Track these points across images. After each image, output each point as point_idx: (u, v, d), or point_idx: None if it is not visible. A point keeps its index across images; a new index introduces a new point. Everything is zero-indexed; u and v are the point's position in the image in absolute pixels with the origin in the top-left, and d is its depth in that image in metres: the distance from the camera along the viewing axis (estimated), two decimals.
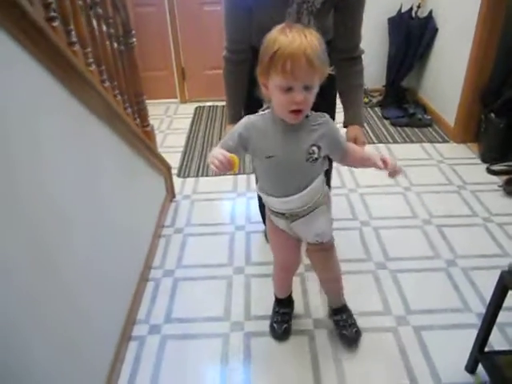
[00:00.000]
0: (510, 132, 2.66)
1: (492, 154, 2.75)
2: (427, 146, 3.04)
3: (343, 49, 1.48)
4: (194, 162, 2.94)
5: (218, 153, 1.05)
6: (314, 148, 1.18)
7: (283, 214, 1.33)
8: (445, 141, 3.09)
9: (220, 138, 3.27)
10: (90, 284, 1.37)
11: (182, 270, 2.02)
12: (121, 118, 1.72)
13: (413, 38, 3.34)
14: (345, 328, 1.62)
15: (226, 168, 1.04)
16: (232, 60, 1.52)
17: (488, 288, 1.40)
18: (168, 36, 3.73)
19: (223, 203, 2.50)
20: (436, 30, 3.28)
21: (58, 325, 1.16)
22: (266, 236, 2.11)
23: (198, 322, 1.76)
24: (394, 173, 1.21)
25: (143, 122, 2.20)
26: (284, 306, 1.70)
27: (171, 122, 3.63)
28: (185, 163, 2.93)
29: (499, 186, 2.50)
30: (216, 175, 1.18)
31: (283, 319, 1.68)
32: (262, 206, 2.04)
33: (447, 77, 3.16)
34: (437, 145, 3.05)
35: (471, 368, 1.52)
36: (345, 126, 1.53)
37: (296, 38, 1.02)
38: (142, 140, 2.02)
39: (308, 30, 1.06)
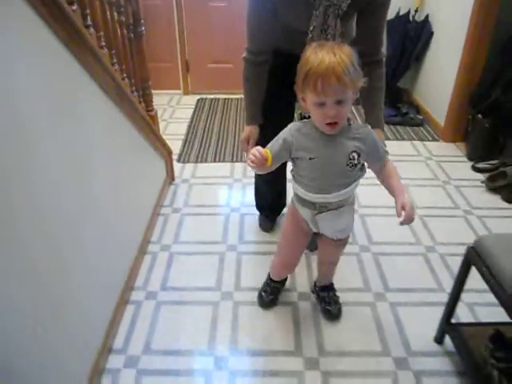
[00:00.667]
0: (495, 132, 2.80)
1: (477, 153, 2.90)
2: (417, 143, 3.19)
3: (366, 52, 1.39)
4: (194, 149, 3.08)
5: (253, 150, 1.18)
6: (355, 154, 1.25)
7: (313, 204, 1.36)
8: (434, 139, 3.24)
9: (220, 129, 3.41)
10: (91, 253, 1.50)
11: (178, 245, 2.16)
12: (128, 99, 1.86)
13: (409, 41, 3.48)
14: (329, 305, 1.75)
15: (261, 161, 1.17)
16: (252, 61, 1.55)
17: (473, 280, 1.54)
18: (174, 29, 3.87)
19: (220, 187, 2.64)
20: (431, 34, 3.42)
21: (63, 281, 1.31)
22: (259, 223, 2.27)
23: (191, 290, 1.89)
24: (405, 222, 1.20)
25: (148, 107, 2.34)
26: (276, 282, 1.80)
27: (174, 112, 3.76)
28: (185, 150, 3.07)
29: (482, 182, 2.64)
30: (256, 170, 1.29)
31: (272, 291, 1.79)
32: (258, 194, 2.23)
33: (439, 79, 3.30)
34: (427, 143, 3.19)
35: (439, 339, 1.66)
36: None
37: (325, 58, 1.09)
38: (146, 122, 2.16)
39: (339, 46, 1.13)
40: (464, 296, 1.58)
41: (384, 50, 1.54)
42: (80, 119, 1.41)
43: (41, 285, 1.16)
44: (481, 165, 2.81)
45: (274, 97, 1.64)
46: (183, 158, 2.97)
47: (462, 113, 3.05)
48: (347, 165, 1.26)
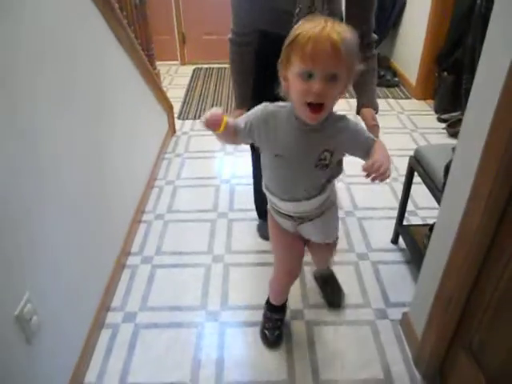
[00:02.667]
0: (457, 87, 3.18)
1: (443, 106, 3.28)
2: (391, 101, 3.57)
3: (357, 36, 1.23)
4: (192, 109, 3.46)
5: (213, 109, 1.01)
6: (326, 154, 1.08)
7: (290, 216, 1.25)
8: (407, 97, 3.62)
9: (215, 93, 3.78)
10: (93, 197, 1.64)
11: (180, 181, 2.54)
12: (138, 52, 2.24)
13: (385, 9, 3.84)
14: (332, 296, 1.74)
15: (211, 123, 0.99)
16: (238, 42, 1.46)
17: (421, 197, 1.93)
18: (171, 4, 4.21)
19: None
20: (404, 3, 3.78)
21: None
22: (260, 232, 2.10)
23: (185, 254, 1.99)
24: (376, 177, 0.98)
25: (152, 65, 2.70)
26: (277, 312, 1.60)
27: (172, 80, 4.12)
28: (184, 109, 3.45)
29: (443, 129, 3.03)
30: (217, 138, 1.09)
31: (275, 325, 1.58)
32: (258, 198, 2.06)
33: (412, 44, 3.67)
34: (400, 100, 3.58)
35: (394, 239, 2.06)
36: (358, 112, 1.43)
37: (321, 23, 0.93)
38: (152, 76, 2.53)
39: (338, 22, 0.96)
40: (413, 206, 1.97)
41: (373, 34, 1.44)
42: (100, 60, 1.77)
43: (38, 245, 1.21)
44: (445, 116, 3.20)
45: (260, 82, 1.51)
46: (183, 115, 3.35)
47: (431, 73, 3.43)
48: (316, 166, 1.09)
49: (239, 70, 1.53)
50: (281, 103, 1.09)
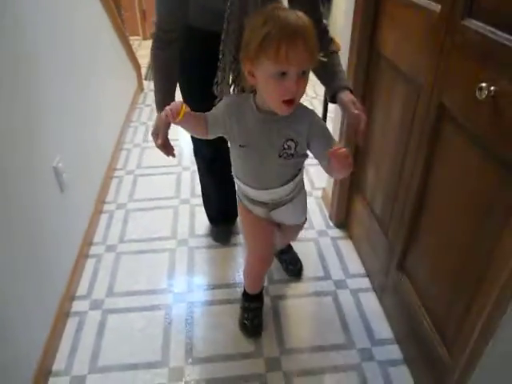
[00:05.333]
0: None
1: None
2: None
3: None
4: None
5: (173, 103, 1.00)
6: (290, 143, 1.07)
7: (264, 203, 1.25)
8: None
9: None
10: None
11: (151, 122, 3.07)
12: (110, 6, 2.75)
13: None
14: (291, 264, 1.81)
15: (171, 113, 0.97)
16: (162, 39, 1.29)
17: None
18: None
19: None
20: None
21: None
22: (212, 236, 2.03)
23: (149, 241, 2.00)
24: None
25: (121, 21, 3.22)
26: (255, 301, 1.58)
27: (136, 51, 4.59)
28: (149, 73, 3.96)
29: None
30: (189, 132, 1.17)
31: (255, 315, 1.57)
32: (207, 205, 2.00)
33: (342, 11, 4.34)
34: None
35: None
36: (332, 100, 1.25)
37: (290, 18, 0.91)
38: (123, 33, 3.05)
39: (298, 11, 0.95)
40: None
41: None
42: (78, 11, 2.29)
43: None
44: None
45: (189, 78, 1.47)
46: (148, 76, 3.86)
47: None
48: (280, 155, 1.09)
49: (165, 69, 1.36)
50: (243, 94, 1.12)
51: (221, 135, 1.15)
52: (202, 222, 2.08)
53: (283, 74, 0.93)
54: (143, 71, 3.88)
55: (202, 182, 1.92)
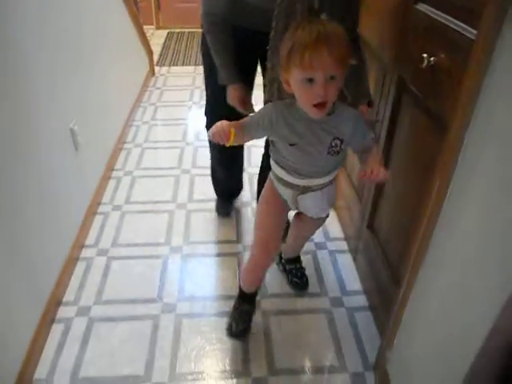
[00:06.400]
0: None
1: None
2: None
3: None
4: (168, 59, 4.23)
5: (219, 124, 1.08)
6: (337, 141, 1.14)
7: (296, 185, 1.26)
8: None
9: (186, 50, 4.53)
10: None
11: (161, 103, 3.31)
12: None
13: None
14: (297, 277, 1.74)
15: (221, 139, 1.07)
16: (213, 18, 1.39)
17: None
18: None
19: (189, 76, 3.82)
20: None
21: None
22: (216, 209, 2.16)
23: (152, 203, 2.19)
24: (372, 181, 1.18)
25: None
26: (247, 303, 1.57)
27: (150, 40, 4.83)
28: (161, 59, 4.21)
29: None
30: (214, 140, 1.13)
31: (243, 318, 1.56)
32: (215, 182, 2.11)
33: None
34: None
35: None
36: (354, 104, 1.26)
37: (313, 28, 0.98)
38: (137, 19, 3.28)
39: (328, 21, 1.02)
40: None
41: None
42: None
43: None
44: None
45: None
46: (160, 63, 4.11)
47: None
48: (328, 153, 1.16)
49: (224, 47, 1.42)
50: (286, 100, 1.16)
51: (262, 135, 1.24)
52: (201, 190, 2.31)
53: (310, 80, 1.00)
54: (155, 58, 4.13)
55: (212, 162, 2.02)
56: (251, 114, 1.24)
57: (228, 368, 1.47)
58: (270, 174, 1.35)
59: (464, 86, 0.87)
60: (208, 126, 1.71)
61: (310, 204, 1.32)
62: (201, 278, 1.81)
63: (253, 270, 1.49)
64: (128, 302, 1.69)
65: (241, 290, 1.56)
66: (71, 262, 1.80)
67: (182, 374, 1.45)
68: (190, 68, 4.01)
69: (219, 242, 2.00)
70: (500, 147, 0.78)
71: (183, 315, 1.64)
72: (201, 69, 1.70)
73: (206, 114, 1.76)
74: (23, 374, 1.37)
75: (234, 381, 1.43)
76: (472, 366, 0.85)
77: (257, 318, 1.61)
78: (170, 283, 1.77)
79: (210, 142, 1.85)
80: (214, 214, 2.16)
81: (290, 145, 1.15)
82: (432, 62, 1.10)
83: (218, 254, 1.93)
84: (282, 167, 1.24)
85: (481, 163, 0.83)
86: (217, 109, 1.54)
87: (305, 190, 1.26)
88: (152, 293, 1.73)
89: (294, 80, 1.04)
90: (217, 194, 2.16)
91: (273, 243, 1.40)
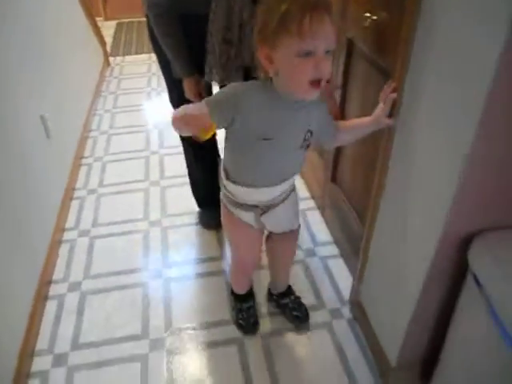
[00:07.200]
0: None
1: None
2: None
3: None
4: (120, 48, 4.24)
5: (191, 109, 0.93)
6: (309, 134, 1.03)
7: (256, 207, 1.17)
8: None
9: (137, 39, 4.54)
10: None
11: (120, 91, 3.35)
12: None
13: None
14: (295, 310, 1.55)
15: (198, 130, 0.89)
16: (157, 9, 1.36)
17: None
18: None
19: (144, 63, 3.86)
20: None
21: None
22: (201, 223, 2.02)
23: (125, 184, 2.29)
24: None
25: None
26: (245, 301, 1.55)
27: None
28: (113, 50, 4.21)
29: None
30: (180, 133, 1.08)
31: (249, 314, 1.53)
32: (195, 189, 1.98)
33: None
34: None
35: None
36: None
37: None
38: (90, 11, 3.29)
39: None
40: None
41: None
42: None
43: None
44: None
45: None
46: (114, 53, 4.12)
47: None
48: (301, 146, 1.04)
49: (174, 37, 1.39)
50: (255, 82, 1.00)
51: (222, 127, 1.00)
52: (172, 168, 2.39)
53: (308, 54, 0.85)
54: (108, 48, 4.13)
55: (190, 168, 1.90)
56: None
57: (220, 319, 1.60)
58: (225, 203, 1.22)
59: (401, 39, 1.02)
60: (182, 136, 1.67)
61: (276, 220, 1.25)
62: (182, 246, 1.92)
63: (241, 278, 1.52)
64: (116, 273, 1.79)
65: (236, 294, 1.56)
66: (55, 245, 1.87)
67: (178, 329, 1.57)
68: (145, 56, 4.04)
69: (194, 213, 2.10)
70: (436, 82, 0.94)
71: (171, 279, 1.76)
72: (155, 56, 1.66)
73: (171, 101, 1.66)
74: (25, 345, 1.44)
75: (228, 328, 1.56)
76: (430, 264, 1.02)
77: None
78: (153, 253, 1.88)
79: (182, 139, 1.78)
80: (188, 189, 2.02)
81: (263, 139, 0.99)
82: (374, 20, 1.25)
83: (197, 223, 2.04)
84: (238, 184, 1.10)
85: (420, 102, 0.99)
86: (183, 95, 1.50)
87: (266, 208, 1.19)
88: (137, 263, 1.83)
89: (284, 54, 0.87)
90: (199, 204, 2.02)
91: (255, 258, 1.42)
